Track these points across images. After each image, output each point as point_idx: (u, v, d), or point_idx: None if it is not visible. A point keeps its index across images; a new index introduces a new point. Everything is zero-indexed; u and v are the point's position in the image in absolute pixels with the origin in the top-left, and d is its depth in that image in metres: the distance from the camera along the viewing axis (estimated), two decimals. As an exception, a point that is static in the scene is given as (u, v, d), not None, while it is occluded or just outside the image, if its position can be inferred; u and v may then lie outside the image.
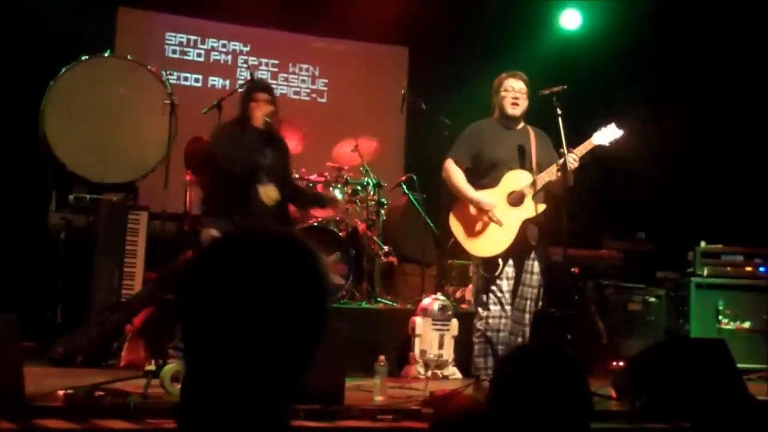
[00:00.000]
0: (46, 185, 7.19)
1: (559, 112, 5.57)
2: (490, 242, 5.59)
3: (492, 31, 9.77)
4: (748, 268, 7.80)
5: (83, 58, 7.33)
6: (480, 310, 5.65)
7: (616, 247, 8.70)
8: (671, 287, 7.97)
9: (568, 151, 5.54)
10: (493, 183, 5.65)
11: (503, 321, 5.55)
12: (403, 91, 8.34)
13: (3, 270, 7.40)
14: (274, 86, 9.94)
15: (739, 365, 5.57)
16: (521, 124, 5.81)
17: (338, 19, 9.80)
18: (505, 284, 5.57)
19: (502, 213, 5.56)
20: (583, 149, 5.64)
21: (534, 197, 5.59)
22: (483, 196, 5.59)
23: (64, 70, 7.19)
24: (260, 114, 5.83)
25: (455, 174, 5.68)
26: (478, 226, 5.61)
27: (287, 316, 1.36)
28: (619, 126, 5.71)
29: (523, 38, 9.50)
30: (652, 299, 7.75)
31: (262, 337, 1.34)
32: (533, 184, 5.57)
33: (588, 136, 5.70)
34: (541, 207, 5.59)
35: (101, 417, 4.26)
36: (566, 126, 5.54)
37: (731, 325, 7.41)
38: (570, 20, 9.80)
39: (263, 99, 5.88)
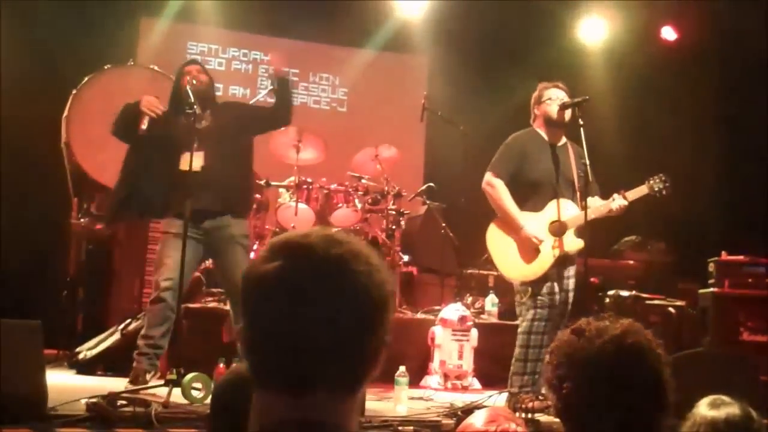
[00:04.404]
0: (68, 193, 7.24)
1: (581, 122, 5.53)
2: (526, 268, 5.51)
3: (512, 41, 9.77)
4: (770, 280, 7.72)
5: (106, 67, 7.39)
6: (527, 324, 5.49)
7: (636, 258, 8.67)
8: (692, 299, 7.91)
9: (620, 194, 5.54)
10: (536, 207, 5.55)
11: (546, 337, 5.45)
12: (423, 101, 8.34)
13: (25, 277, 7.46)
14: (294, 95, 10.08)
15: (762, 378, 5.53)
16: (563, 140, 5.73)
17: (358, 29, 9.84)
18: (555, 299, 5.49)
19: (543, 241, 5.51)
20: (634, 195, 5.59)
21: (575, 231, 5.51)
22: (534, 229, 5.46)
23: (87, 78, 7.25)
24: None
25: (504, 195, 5.53)
26: (517, 249, 5.52)
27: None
28: (668, 176, 5.65)
29: (544, 48, 9.49)
30: (673, 310, 7.70)
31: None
32: (577, 218, 5.46)
33: (641, 182, 5.66)
34: (580, 243, 5.49)
35: (124, 426, 4.27)
36: (587, 136, 5.51)
37: (753, 338, 7.36)
38: (591, 31, 9.79)
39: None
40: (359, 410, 1.39)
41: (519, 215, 5.52)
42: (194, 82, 5.69)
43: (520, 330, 5.55)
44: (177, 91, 5.76)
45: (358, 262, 1.35)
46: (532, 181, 5.59)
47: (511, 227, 5.55)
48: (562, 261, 5.56)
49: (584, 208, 5.36)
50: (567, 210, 5.55)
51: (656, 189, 5.60)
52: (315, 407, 1.31)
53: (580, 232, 5.51)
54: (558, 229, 5.52)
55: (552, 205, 5.56)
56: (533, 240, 5.45)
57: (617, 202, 5.53)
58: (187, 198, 5.32)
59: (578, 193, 5.55)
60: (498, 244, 5.61)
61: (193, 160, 5.40)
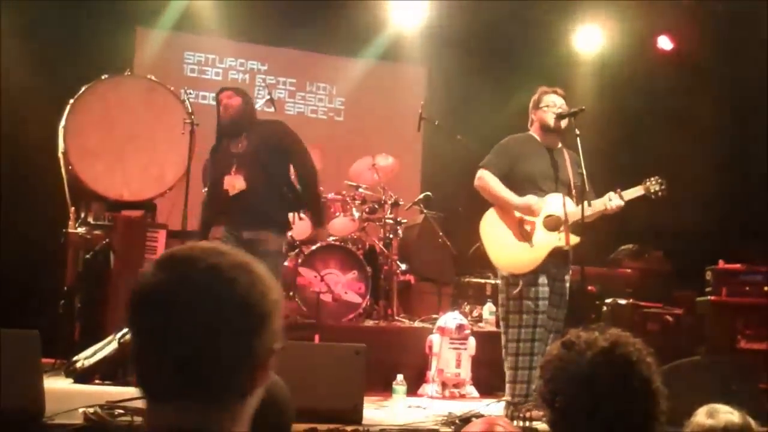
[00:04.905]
0: (65, 202, 7.24)
1: (577, 132, 5.55)
2: (517, 259, 5.53)
3: (509, 50, 9.80)
4: (767, 288, 7.72)
5: (103, 77, 7.40)
6: (514, 331, 5.51)
7: (633, 266, 8.67)
8: (689, 307, 7.91)
9: (616, 193, 5.53)
10: None
11: (536, 344, 5.45)
12: (420, 110, 8.36)
13: (22, 287, 7.45)
14: (291, 105, 10.12)
15: (760, 385, 5.54)
16: (559, 145, 5.77)
17: (355, 38, 9.86)
18: (541, 304, 5.49)
19: (537, 234, 5.52)
20: (630, 195, 5.59)
21: (570, 226, 5.52)
22: (531, 198, 5.51)
23: (84, 88, 7.26)
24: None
25: (494, 183, 5.58)
26: (509, 239, 5.56)
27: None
28: (663, 178, 5.64)
29: (541, 57, 9.51)
30: (670, 318, 7.70)
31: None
32: (573, 213, 5.48)
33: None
34: (575, 239, 5.51)
35: (121, 435, 4.27)
36: (583, 144, 5.54)
37: (750, 345, 7.36)
38: (588, 40, 9.81)
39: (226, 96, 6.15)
40: (248, 418, 1.40)
41: (514, 195, 5.54)
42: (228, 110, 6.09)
43: (509, 338, 5.55)
44: (217, 119, 6.15)
45: (238, 272, 1.37)
46: (528, 179, 5.61)
47: (507, 214, 5.57)
48: (558, 260, 5.57)
49: (582, 206, 5.38)
50: (562, 205, 5.55)
51: (652, 191, 5.60)
52: (196, 416, 1.33)
53: (576, 229, 5.52)
54: (553, 223, 5.54)
55: (547, 199, 5.58)
56: (533, 207, 5.47)
57: (614, 201, 5.53)
58: (229, 214, 5.89)
59: (574, 193, 5.56)
60: (492, 232, 5.64)
61: (235, 182, 5.89)
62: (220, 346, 1.33)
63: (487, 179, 5.61)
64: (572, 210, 5.52)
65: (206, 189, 6.38)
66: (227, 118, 6.06)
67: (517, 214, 5.59)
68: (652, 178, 5.63)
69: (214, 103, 9.48)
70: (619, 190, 5.58)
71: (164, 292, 1.35)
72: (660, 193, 5.61)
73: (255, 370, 1.38)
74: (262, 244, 5.77)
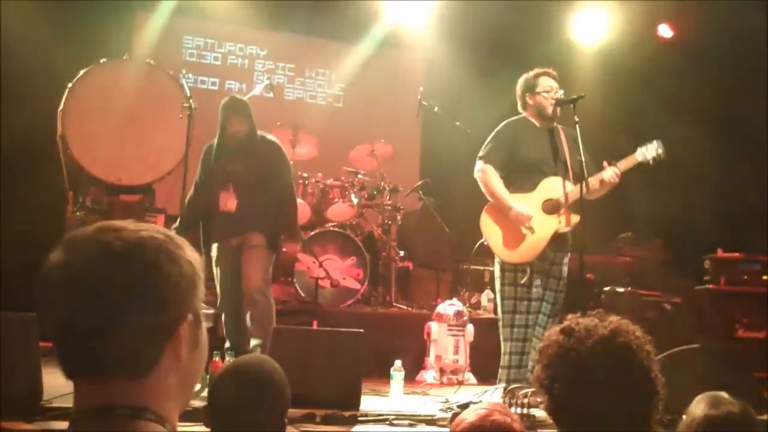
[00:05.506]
0: (63, 187, 7.23)
1: (577, 119, 5.55)
2: (521, 249, 5.54)
3: (509, 37, 9.76)
4: (765, 277, 7.74)
5: (102, 60, 7.37)
6: (508, 317, 5.55)
7: (631, 254, 8.67)
8: (687, 295, 7.92)
9: (611, 164, 5.53)
10: (528, 187, 5.59)
11: (529, 329, 5.47)
12: (419, 96, 8.34)
13: (20, 271, 7.43)
14: (290, 90, 10.09)
15: (756, 374, 5.55)
16: (554, 124, 5.77)
17: (355, 24, 9.82)
18: (535, 292, 5.52)
19: (535, 220, 5.52)
20: (625, 164, 5.58)
21: (569, 207, 5.55)
22: (522, 208, 5.50)
23: (83, 72, 7.23)
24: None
25: (493, 179, 5.58)
26: (511, 231, 5.56)
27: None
28: (660, 144, 5.59)
29: (541, 44, 9.48)
30: (668, 306, 7.70)
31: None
32: (571, 194, 5.51)
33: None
34: (575, 218, 5.53)
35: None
36: (582, 133, 5.53)
37: (748, 334, 7.37)
38: (588, 28, 9.78)
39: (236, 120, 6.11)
40: (169, 390, 1.40)
41: (508, 197, 5.55)
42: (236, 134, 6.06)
43: (502, 323, 5.58)
44: (221, 136, 6.11)
45: (142, 250, 1.37)
46: (525, 163, 5.63)
47: (503, 211, 5.57)
48: (558, 244, 5.58)
49: (580, 185, 5.38)
50: (558, 187, 5.57)
51: (649, 157, 5.56)
52: (110, 391, 1.34)
53: (575, 208, 5.52)
54: (552, 207, 5.54)
55: (544, 183, 5.59)
56: (521, 218, 5.48)
57: (609, 171, 5.52)
58: (218, 227, 6.03)
59: (572, 173, 5.56)
60: (492, 228, 5.64)
61: (228, 202, 5.97)
62: (120, 322, 1.32)
63: (488, 174, 5.61)
64: (570, 190, 5.54)
65: (194, 184, 6.30)
66: (234, 143, 6.05)
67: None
68: (648, 144, 5.58)
69: (213, 88, 9.60)
70: (613, 161, 5.57)
71: (62, 276, 1.35)
72: (657, 159, 5.55)
73: (162, 342, 1.37)
74: (246, 242, 5.92)
